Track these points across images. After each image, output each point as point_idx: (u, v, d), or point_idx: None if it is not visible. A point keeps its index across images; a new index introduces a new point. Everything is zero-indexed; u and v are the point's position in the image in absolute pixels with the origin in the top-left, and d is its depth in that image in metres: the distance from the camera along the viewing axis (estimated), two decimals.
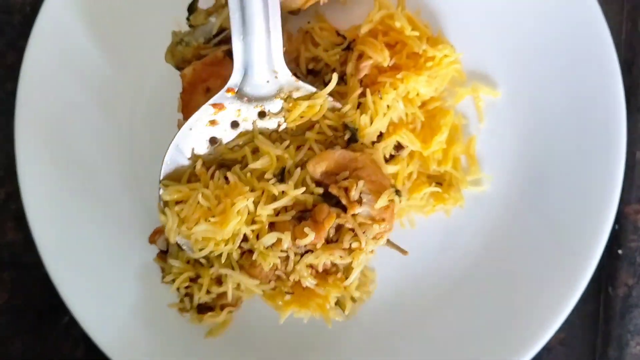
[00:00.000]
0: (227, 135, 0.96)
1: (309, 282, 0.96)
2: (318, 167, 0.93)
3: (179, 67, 1.01)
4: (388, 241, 0.96)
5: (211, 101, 0.93)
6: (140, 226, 1.08)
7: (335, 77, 0.95)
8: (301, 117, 0.96)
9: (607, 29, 0.96)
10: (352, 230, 0.92)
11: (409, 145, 0.99)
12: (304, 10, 1.00)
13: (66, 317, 1.16)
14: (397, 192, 0.93)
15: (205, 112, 0.94)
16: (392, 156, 1.00)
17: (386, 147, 0.99)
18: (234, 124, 0.96)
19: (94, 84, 1.08)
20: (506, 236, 1.01)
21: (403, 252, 0.98)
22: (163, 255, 1.06)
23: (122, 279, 1.08)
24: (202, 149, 0.96)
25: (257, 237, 0.93)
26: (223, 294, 1.00)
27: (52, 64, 1.07)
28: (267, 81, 0.94)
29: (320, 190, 0.93)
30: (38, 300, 1.17)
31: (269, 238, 0.92)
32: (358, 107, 0.98)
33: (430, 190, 1.01)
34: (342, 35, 1.03)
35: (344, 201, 0.91)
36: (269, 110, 0.96)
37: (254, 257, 0.93)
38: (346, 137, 0.97)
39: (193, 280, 1.01)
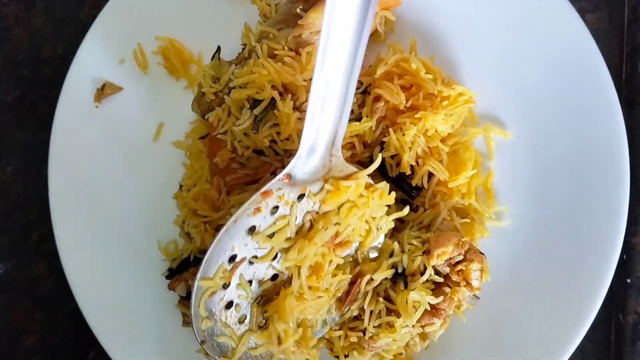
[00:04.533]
0: (265, 222, 0.90)
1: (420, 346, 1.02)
2: (442, 258, 0.96)
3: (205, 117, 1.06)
4: None
5: (263, 189, 0.88)
6: (162, 270, 1.12)
7: (379, 158, 0.96)
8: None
9: (608, 75, 1.00)
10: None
11: (438, 174, 1.03)
12: None
13: (92, 352, 1.20)
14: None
15: (253, 202, 0.88)
16: (419, 188, 1.04)
17: (423, 176, 1.04)
18: (274, 209, 0.90)
19: (124, 134, 1.13)
20: (521, 267, 1.04)
21: (476, 297, 1.04)
22: (185, 301, 1.08)
23: (148, 319, 1.11)
24: (240, 239, 0.89)
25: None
26: None
27: (82, 115, 1.12)
28: (324, 166, 0.91)
29: (441, 280, 0.97)
30: (68, 339, 1.21)
31: (402, 331, 0.95)
32: (381, 150, 1.03)
33: (462, 222, 1.04)
34: (359, 81, 1.07)
35: (460, 282, 0.96)
36: (309, 192, 0.90)
37: (378, 344, 0.96)
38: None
39: None
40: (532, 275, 1.04)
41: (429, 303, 0.95)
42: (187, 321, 1.09)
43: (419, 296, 0.95)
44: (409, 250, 0.98)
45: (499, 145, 1.07)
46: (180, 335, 1.09)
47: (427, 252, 0.96)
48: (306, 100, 0.98)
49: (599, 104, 1.01)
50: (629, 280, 1.10)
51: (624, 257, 1.09)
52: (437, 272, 0.97)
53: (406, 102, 1.04)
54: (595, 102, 1.01)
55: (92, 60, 1.12)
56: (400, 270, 0.98)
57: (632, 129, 1.06)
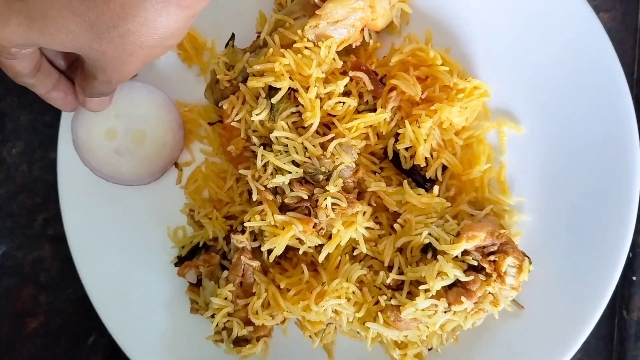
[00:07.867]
0: None
1: (444, 336, 1.03)
2: (472, 241, 0.95)
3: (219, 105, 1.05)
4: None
5: None
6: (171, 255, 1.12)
7: None
8: None
9: (622, 73, 1.00)
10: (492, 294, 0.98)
11: (452, 167, 1.04)
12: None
13: (94, 335, 1.20)
14: (530, 262, 0.99)
15: None
16: (433, 180, 1.04)
17: (437, 169, 1.04)
18: None
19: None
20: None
21: (520, 307, 1.04)
22: (194, 287, 1.09)
23: (156, 305, 1.11)
24: None
25: None
26: (260, 327, 1.02)
27: None
28: None
29: (475, 263, 0.96)
30: (72, 322, 1.20)
31: (425, 303, 0.95)
32: (395, 141, 1.03)
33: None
34: (374, 72, 1.06)
35: (492, 274, 0.96)
36: None
37: (403, 315, 0.96)
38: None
39: (230, 314, 1.02)
40: (540, 270, 1.04)
41: (458, 280, 0.95)
42: (195, 308, 1.09)
43: (446, 267, 0.94)
44: (443, 225, 0.99)
45: (511, 139, 1.07)
46: (188, 322, 1.10)
47: (458, 234, 0.97)
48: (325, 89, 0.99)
49: (612, 102, 1.01)
50: (634, 278, 1.11)
51: (630, 254, 1.10)
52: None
53: (422, 94, 1.03)
54: (608, 100, 1.01)
55: None
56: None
57: None
